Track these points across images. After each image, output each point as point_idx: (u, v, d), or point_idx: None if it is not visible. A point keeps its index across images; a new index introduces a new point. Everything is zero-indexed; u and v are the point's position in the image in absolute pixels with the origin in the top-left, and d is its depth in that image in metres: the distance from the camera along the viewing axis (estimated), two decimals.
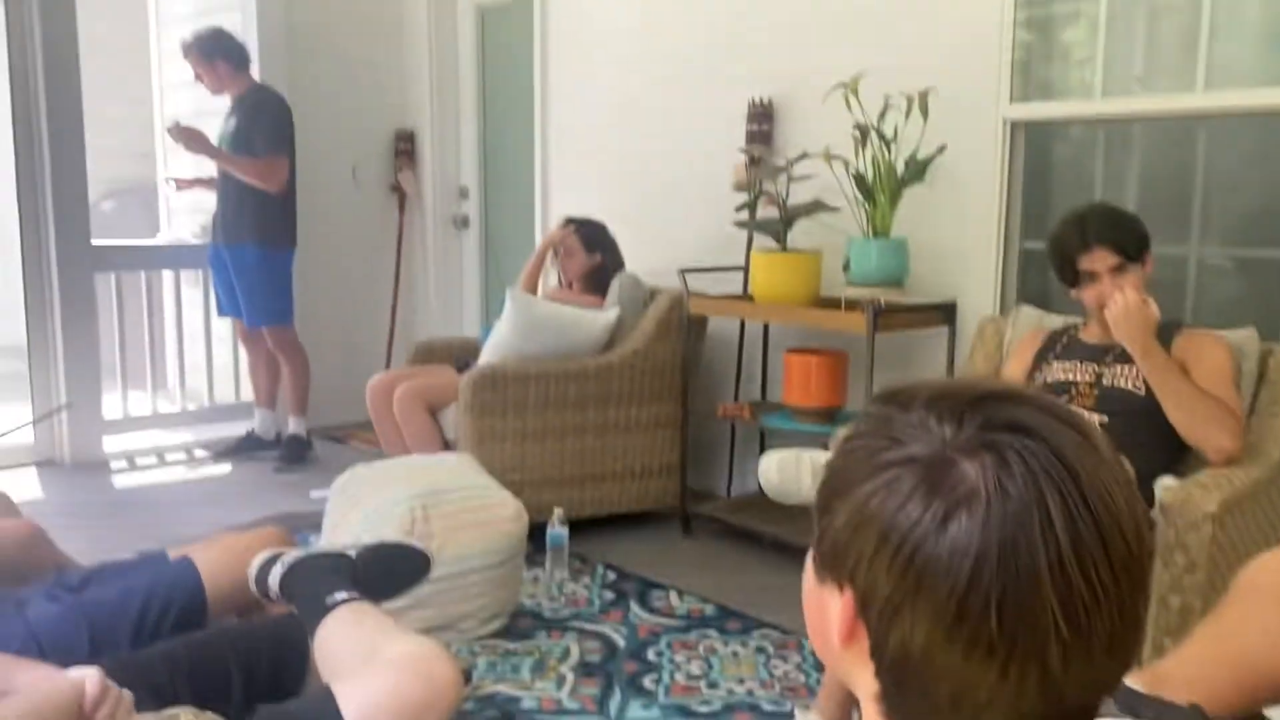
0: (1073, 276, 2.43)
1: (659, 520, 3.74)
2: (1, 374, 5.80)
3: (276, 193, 4.23)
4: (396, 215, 5.27)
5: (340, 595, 1.43)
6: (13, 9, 4.24)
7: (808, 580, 0.69)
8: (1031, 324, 2.80)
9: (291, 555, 1.59)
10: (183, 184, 4.64)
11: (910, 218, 3.15)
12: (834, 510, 0.64)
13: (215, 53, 4.22)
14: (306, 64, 4.89)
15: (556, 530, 3.17)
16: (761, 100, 3.70)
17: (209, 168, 4.40)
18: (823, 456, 2.32)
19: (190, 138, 4.14)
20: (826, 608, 0.65)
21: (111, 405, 4.67)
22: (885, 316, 3.00)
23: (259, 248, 4.27)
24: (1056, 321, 2.76)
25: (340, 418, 5.13)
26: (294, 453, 4.46)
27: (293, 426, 4.52)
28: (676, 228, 4.07)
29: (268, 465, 4.43)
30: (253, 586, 1.57)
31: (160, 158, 5.67)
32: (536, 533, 3.05)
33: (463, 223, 5.25)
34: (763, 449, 3.71)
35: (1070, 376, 2.47)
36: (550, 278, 4.11)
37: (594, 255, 3.87)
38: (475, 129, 5.13)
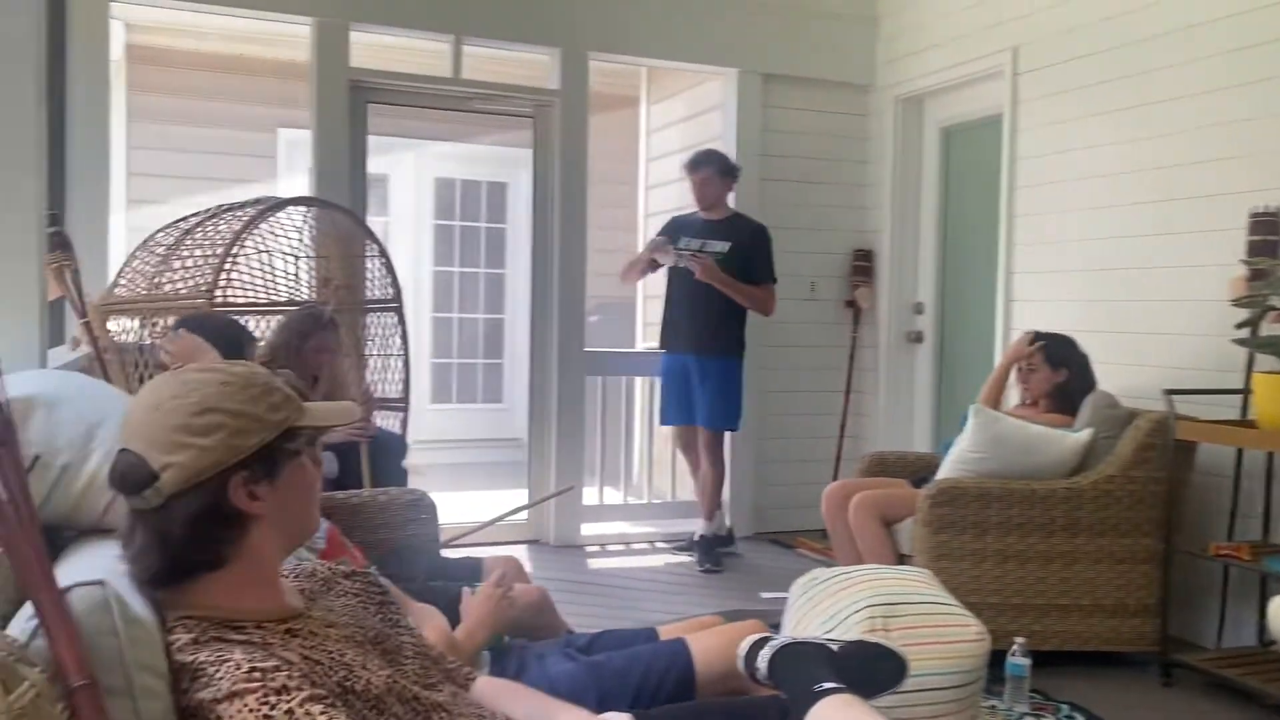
0: None
1: (1132, 665, 3.41)
2: (505, 461, 6.72)
3: (768, 315, 4.64)
4: (850, 329, 5.41)
5: (828, 685, 1.48)
6: (539, 157, 5.01)
7: None
8: None
9: (779, 640, 1.68)
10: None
11: None
12: None
13: (729, 172, 4.64)
14: (777, 186, 5.25)
15: (1017, 660, 3.00)
16: (1267, 209, 3.36)
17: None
18: None
19: (707, 269, 4.46)
20: None
21: (591, 494, 5.19)
22: None
23: (735, 360, 4.62)
24: None
25: (787, 524, 5.28)
26: (713, 554, 4.64)
27: (706, 529, 4.71)
28: (1159, 346, 3.78)
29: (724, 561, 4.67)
30: (741, 666, 1.67)
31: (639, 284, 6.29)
32: (993, 660, 2.91)
33: (916, 338, 5.26)
34: (1264, 596, 3.27)
35: None
36: (1011, 396, 3.98)
37: (1059, 372, 3.70)
38: (934, 246, 5.16)
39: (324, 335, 3.46)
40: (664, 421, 4.88)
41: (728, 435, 4.81)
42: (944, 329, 5.15)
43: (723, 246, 4.55)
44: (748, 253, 4.56)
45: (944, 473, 3.48)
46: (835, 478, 5.15)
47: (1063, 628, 3.32)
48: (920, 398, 5.26)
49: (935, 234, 5.16)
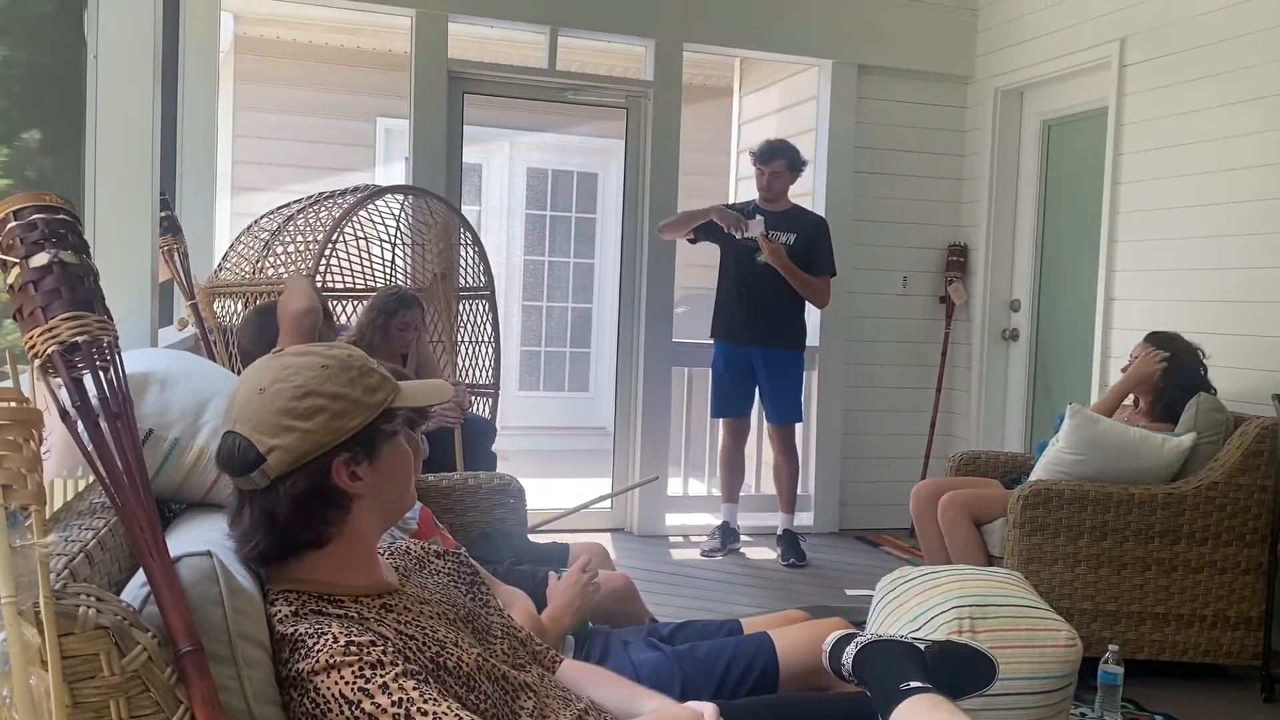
0: None
1: (1231, 678, 3.29)
2: (589, 449, 6.77)
3: (822, 308, 4.60)
4: (943, 325, 5.32)
5: (915, 684, 1.46)
6: (631, 148, 5.03)
7: None
8: None
9: (865, 637, 1.66)
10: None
11: None
12: None
13: (799, 166, 4.58)
14: (871, 179, 5.18)
15: (1110, 668, 2.92)
16: None
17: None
18: None
19: (775, 250, 4.41)
20: None
21: (674, 484, 5.20)
22: None
23: (798, 352, 4.62)
24: None
25: (873, 521, 5.23)
26: (797, 548, 4.61)
27: (788, 523, 4.69)
28: (1269, 348, 3.62)
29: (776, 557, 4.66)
30: (825, 662, 1.66)
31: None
32: (1084, 667, 2.84)
33: (1011, 335, 5.14)
34: None
35: None
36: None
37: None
38: (1031, 242, 5.03)
39: (408, 313, 3.52)
40: (720, 414, 4.75)
41: (812, 430, 4.78)
42: (1040, 327, 5.03)
43: (788, 238, 4.51)
44: (810, 244, 4.51)
45: (1038, 474, 3.40)
46: (924, 476, 5.07)
47: (1159, 637, 3.22)
48: (1014, 397, 5.14)
49: (1033, 229, 5.03)
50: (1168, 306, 4.03)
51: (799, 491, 4.83)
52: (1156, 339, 3.57)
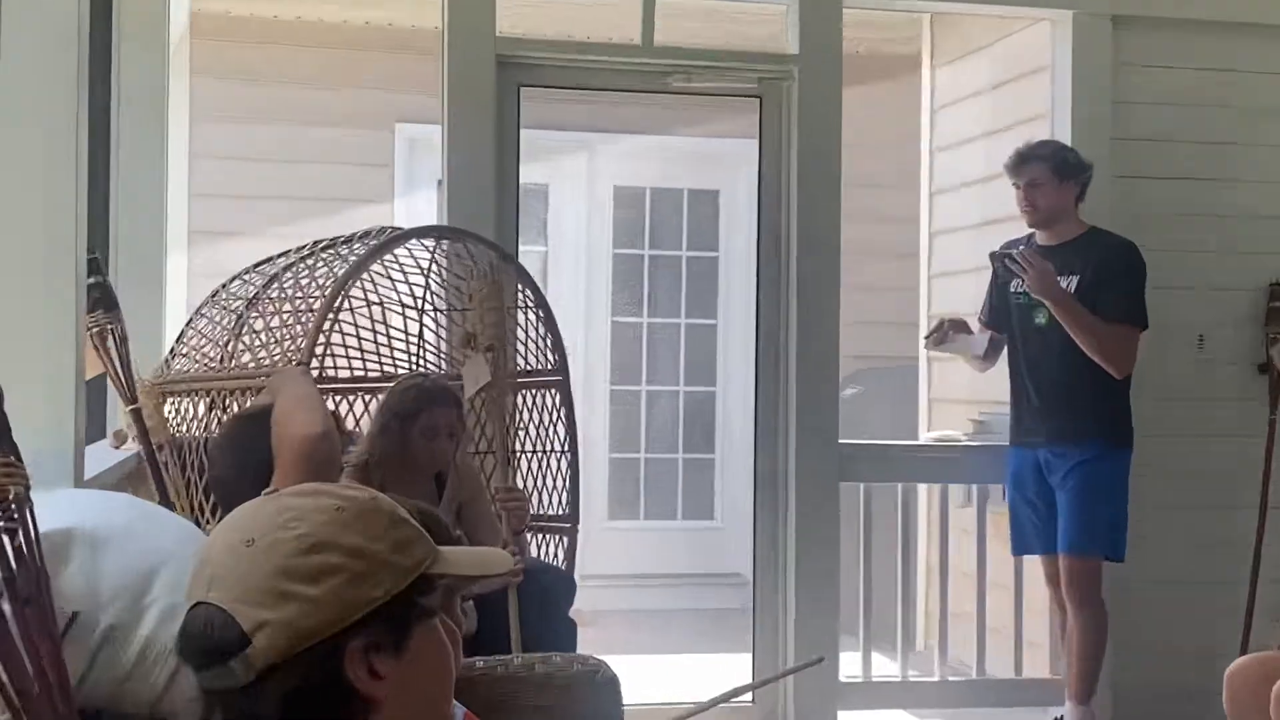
0: None
1: None
2: (717, 608, 6.72)
3: (1120, 376, 4.49)
4: (1265, 407, 5.17)
5: None
6: (768, 153, 5.06)
7: None
8: None
9: None
10: (947, 330, 4.88)
11: None
12: None
13: (1070, 173, 4.54)
14: (1137, 186, 5.11)
15: None
16: None
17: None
18: None
19: (1041, 269, 4.40)
20: None
21: (849, 663, 5.11)
22: None
23: (1103, 444, 4.55)
24: None
25: (1162, 713, 5.02)
26: None
27: (1074, 714, 4.57)
28: None
29: None
30: None
31: (922, 327, 6.22)
32: None
33: None
34: None
35: None
36: None
37: None
38: None
39: (436, 413, 3.54)
40: (1019, 550, 4.85)
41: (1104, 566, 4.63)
42: None
43: (1069, 282, 4.50)
44: (1099, 282, 4.48)
45: None
46: (1245, 647, 4.88)
47: None
48: None
49: None
50: None
51: None
52: None
